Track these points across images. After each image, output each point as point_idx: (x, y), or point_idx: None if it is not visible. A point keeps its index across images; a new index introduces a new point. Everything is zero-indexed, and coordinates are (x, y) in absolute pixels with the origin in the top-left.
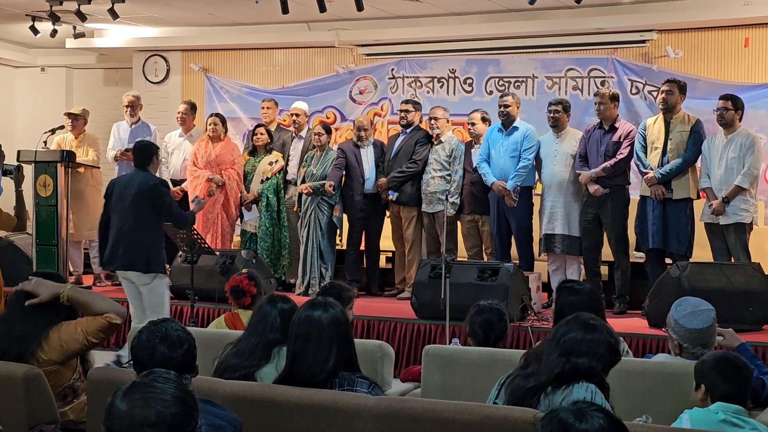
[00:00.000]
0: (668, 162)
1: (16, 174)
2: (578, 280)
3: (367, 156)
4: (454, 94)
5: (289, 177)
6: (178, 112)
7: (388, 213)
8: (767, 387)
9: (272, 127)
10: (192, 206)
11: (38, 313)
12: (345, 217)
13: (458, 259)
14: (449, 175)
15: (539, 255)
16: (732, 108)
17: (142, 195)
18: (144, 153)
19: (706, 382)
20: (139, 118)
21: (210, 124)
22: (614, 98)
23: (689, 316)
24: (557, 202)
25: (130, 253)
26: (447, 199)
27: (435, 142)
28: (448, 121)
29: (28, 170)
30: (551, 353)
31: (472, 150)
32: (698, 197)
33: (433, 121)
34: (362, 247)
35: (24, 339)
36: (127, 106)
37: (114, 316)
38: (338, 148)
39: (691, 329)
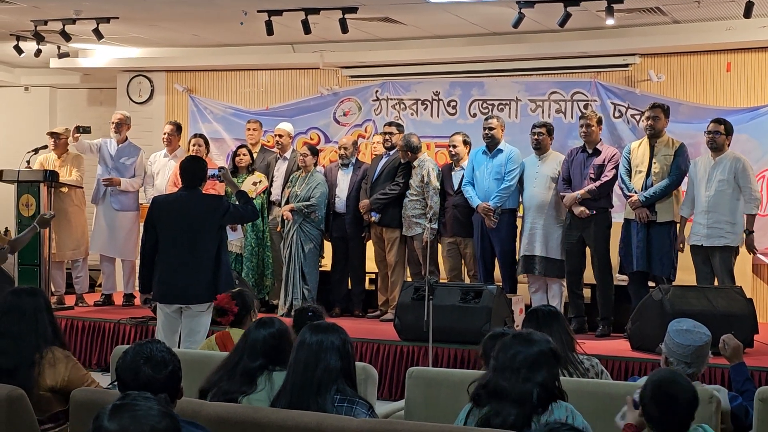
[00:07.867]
0: (652, 185)
1: None
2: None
3: (344, 177)
4: (438, 116)
5: (273, 198)
6: (164, 133)
7: (365, 234)
8: (750, 414)
9: (256, 148)
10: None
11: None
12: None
13: (441, 281)
14: (424, 198)
15: (517, 275)
16: (724, 133)
17: (205, 215)
18: (195, 171)
19: (643, 404)
20: (126, 138)
21: (193, 145)
22: (600, 122)
23: (682, 332)
24: (536, 224)
25: (198, 285)
26: (428, 222)
27: (413, 166)
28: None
29: (11, 189)
30: (511, 380)
31: (453, 172)
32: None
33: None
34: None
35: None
36: (113, 124)
37: None
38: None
39: (678, 343)
